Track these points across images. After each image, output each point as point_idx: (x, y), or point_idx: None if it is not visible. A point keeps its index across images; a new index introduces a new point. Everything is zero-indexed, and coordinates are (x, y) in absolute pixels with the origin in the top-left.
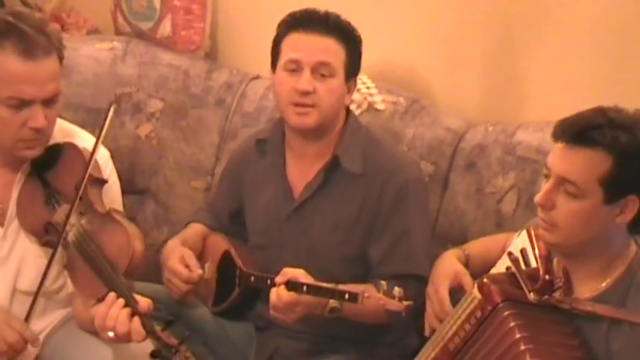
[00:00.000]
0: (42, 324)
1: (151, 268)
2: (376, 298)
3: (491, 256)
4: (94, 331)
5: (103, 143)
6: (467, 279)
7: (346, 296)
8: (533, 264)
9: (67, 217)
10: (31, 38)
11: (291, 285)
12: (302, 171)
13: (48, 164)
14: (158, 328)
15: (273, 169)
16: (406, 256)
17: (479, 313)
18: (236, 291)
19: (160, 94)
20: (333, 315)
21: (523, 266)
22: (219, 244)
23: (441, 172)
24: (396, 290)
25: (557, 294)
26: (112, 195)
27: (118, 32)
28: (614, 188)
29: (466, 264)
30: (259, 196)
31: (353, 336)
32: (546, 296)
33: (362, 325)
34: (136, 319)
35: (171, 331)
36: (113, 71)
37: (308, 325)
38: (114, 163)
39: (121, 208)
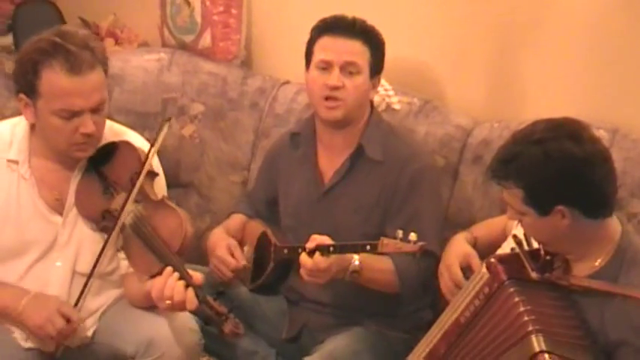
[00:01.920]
0: (98, 302)
1: (193, 252)
2: (393, 242)
3: (494, 236)
4: (146, 306)
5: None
6: (475, 260)
7: (367, 247)
8: (535, 245)
9: (124, 203)
10: (76, 55)
11: (320, 249)
12: (331, 160)
13: (105, 160)
14: (210, 298)
15: (306, 159)
16: (418, 234)
17: (487, 290)
18: (271, 265)
19: (201, 98)
20: (353, 278)
21: (526, 247)
22: (257, 227)
23: (451, 165)
24: (412, 235)
25: (556, 272)
26: (160, 186)
27: (165, 45)
28: (537, 202)
29: (474, 245)
30: (293, 183)
31: (372, 309)
32: (547, 274)
33: (380, 298)
34: (190, 290)
35: (221, 301)
36: (160, 79)
37: (332, 299)
38: (161, 160)
39: None
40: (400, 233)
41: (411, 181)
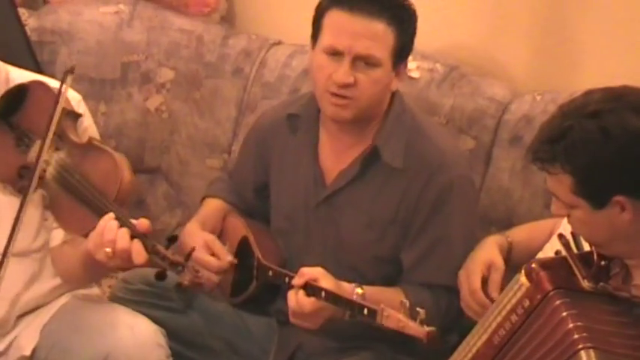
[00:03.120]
0: (33, 294)
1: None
2: (396, 319)
3: (536, 243)
4: (86, 277)
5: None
6: (496, 275)
7: (365, 311)
8: (587, 247)
9: (40, 151)
10: None
11: (310, 289)
12: (336, 155)
13: (13, 106)
14: (161, 247)
15: (305, 148)
16: (441, 264)
17: (527, 303)
18: (254, 284)
19: (170, 62)
20: (353, 319)
21: (575, 250)
22: (238, 228)
23: (483, 148)
24: (421, 312)
25: (614, 281)
26: (91, 132)
27: None
28: (591, 191)
29: (509, 252)
30: (287, 177)
31: (384, 330)
32: (602, 283)
33: None
34: (137, 241)
35: (174, 249)
36: (119, 37)
37: (334, 323)
38: (121, 139)
39: None
40: (407, 303)
41: (439, 197)
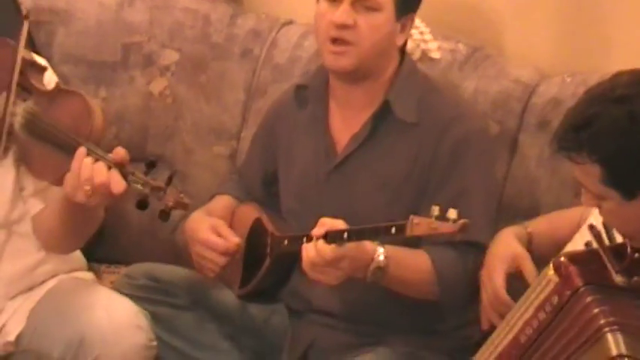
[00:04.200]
0: (16, 267)
1: (165, 248)
2: (427, 222)
3: (561, 234)
4: (67, 227)
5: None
6: (527, 263)
7: (393, 230)
8: (619, 239)
9: (6, 103)
10: None
11: (331, 236)
12: (347, 122)
13: None
14: (140, 174)
15: (315, 120)
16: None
17: (556, 299)
18: (267, 262)
19: (175, 43)
20: (376, 277)
21: (607, 242)
22: (249, 213)
23: (508, 133)
24: (451, 211)
25: None
26: (50, 79)
27: None
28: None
29: (529, 244)
30: (297, 153)
31: (403, 323)
32: (636, 278)
33: (413, 308)
34: (114, 170)
35: (155, 174)
36: (120, 17)
37: (349, 310)
38: (123, 125)
39: None
40: (436, 210)
41: (455, 150)
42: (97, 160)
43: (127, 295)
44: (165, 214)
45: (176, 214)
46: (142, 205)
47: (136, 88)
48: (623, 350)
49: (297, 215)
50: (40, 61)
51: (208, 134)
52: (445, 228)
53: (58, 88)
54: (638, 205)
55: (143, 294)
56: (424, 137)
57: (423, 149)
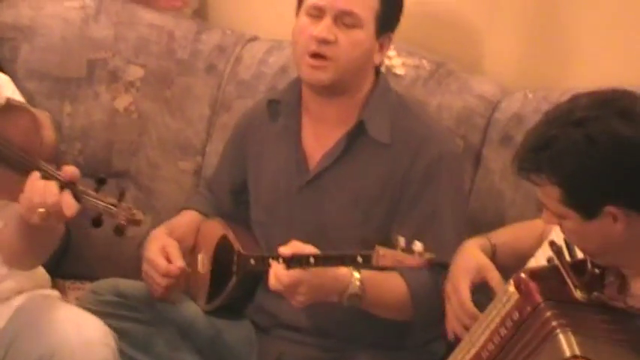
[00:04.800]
0: None
1: (131, 263)
2: (392, 254)
3: (524, 245)
4: (24, 245)
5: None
6: (493, 274)
7: (359, 258)
8: (580, 255)
9: None
10: None
11: (297, 260)
12: (320, 138)
13: None
14: (91, 192)
15: (286, 134)
16: (435, 241)
17: (516, 315)
18: (233, 280)
19: (140, 59)
20: (353, 303)
21: (568, 258)
22: (215, 229)
23: (472, 148)
24: (417, 245)
25: (608, 290)
26: (9, 91)
27: None
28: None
29: (493, 255)
30: (268, 165)
31: (372, 339)
32: (595, 293)
33: (382, 324)
34: (66, 191)
35: (105, 191)
36: (84, 33)
37: (317, 325)
38: (88, 141)
39: None
40: (402, 241)
41: (427, 171)
42: (48, 179)
43: (92, 310)
44: (119, 231)
45: (142, 229)
46: (96, 222)
47: (101, 104)
48: (577, 350)
49: (266, 227)
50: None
51: (173, 149)
52: (410, 261)
53: (9, 104)
54: (598, 224)
55: (109, 309)
56: (397, 157)
57: (395, 169)
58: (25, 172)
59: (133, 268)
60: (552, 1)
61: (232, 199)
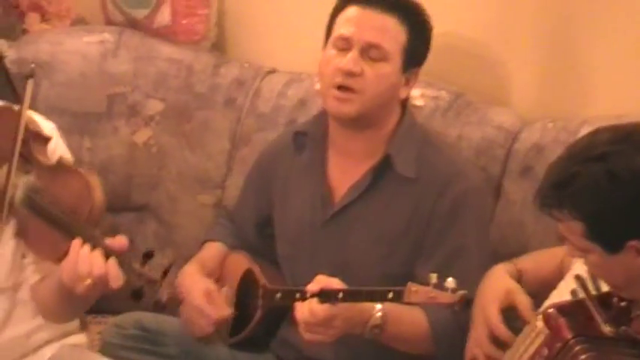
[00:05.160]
0: (13, 332)
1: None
2: (425, 291)
3: (545, 273)
4: (66, 308)
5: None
6: (522, 297)
7: (389, 295)
8: (605, 287)
9: (8, 176)
10: None
11: (325, 295)
12: (346, 172)
13: None
14: (137, 264)
15: (312, 167)
16: (460, 277)
17: (545, 351)
18: (258, 314)
19: (159, 93)
20: (374, 334)
21: (593, 291)
22: (241, 263)
23: (492, 179)
24: (449, 282)
25: (636, 324)
26: (54, 149)
27: (109, 22)
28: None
29: (519, 280)
30: (293, 199)
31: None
32: (623, 327)
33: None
34: (112, 261)
35: (152, 264)
36: (104, 68)
37: (341, 359)
38: (107, 176)
39: None
40: (434, 277)
41: (453, 208)
42: (94, 247)
43: (116, 344)
44: (158, 305)
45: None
46: (137, 295)
47: (120, 139)
48: None
49: (292, 261)
50: (45, 127)
51: (193, 183)
52: (444, 298)
53: (60, 164)
54: (622, 258)
55: (132, 344)
56: (422, 193)
57: (421, 205)
58: (71, 235)
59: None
60: (569, 32)
61: (257, 232)
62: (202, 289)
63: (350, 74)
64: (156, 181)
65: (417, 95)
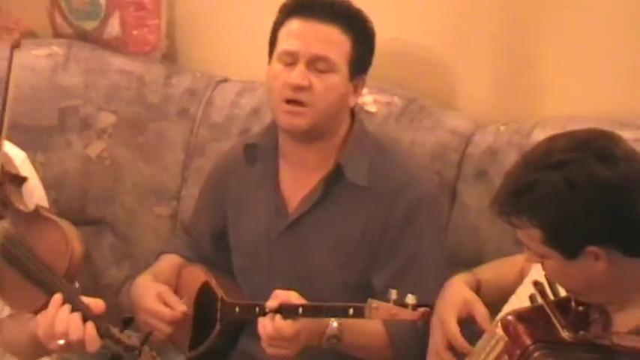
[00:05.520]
0: None
1: (110, 311)
2: (386, 308)
3: (506, 281)
4: (35, 356)
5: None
6: (479, 307)
7: (350, 311)
8: (563, 292)
9: None
10: None
11: (286, 311)
12: (298, 182)
13: None
14: (116, 330)
15: (265, 179)
16: (415, 285)
17: (505, 358)
18: (217, 328)
19: (111, 106)
20: (331, 344)
21: (551, 297)
22: (197, 275)
23: (447, 183)
24: (410, 298)
25: (594, 328)
26: (37, 197)
27: (57, 35)
28: (562, 243)
29: (477, 290)
30: (247, 211)
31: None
32: (582, 332)
33: None
34: (90, 324)
35: (129, 331)
36: (54, 82)
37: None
38: (61, 189)
39: None
40: (394, 294)
41: (407, 215)
42: (73, 309)
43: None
44: None
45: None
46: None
47: (73, 152)
48: None
49: (249, 273)
50: (16, 156)
51: (148, 195)
52: (405, 315)
53: (38, 213)
54: (580, 263)
55: (89, 357)
56: (376, 201)
57: (375, 213)
58: (49, 291)
59: (112, 315)
60: (520, 35)
61: (212, 244)
62: (154, 293)
63: (299, 88)
64: (111, 194)
65: (370, 101)
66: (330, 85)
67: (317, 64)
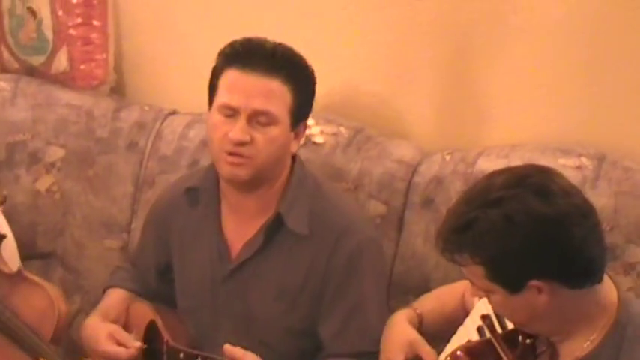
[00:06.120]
0: None
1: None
2: None
3: (449, 308)
4: None
5: None
6: (424, 347)
7: None
8: (510, 325)
9: None
10: None
11: None
12: (240, 227)
13: None
14: None
15: (207, 222)
16: (361, 331)
17: None
18: None
19: (60, 140)
20: None
21: (499, 329)
22: (144, 313)
23: (394, 213)
24: None
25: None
26: (11, 252)
27: (4, 70)
28: (504, 278)
29: (420, 324)
30: (191, 254)
31: None
32: None
33: None
34: None
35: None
36: (1, 117)
37: None
38: (10, 224)
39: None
40: None
41: (349, 262)
42: None
43: None
44: None
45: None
46: None
47: (22, 187)
48: None
49: (194, 314)
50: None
51: (99, 228)
52: None
53: (21, 275)
54: (523, 297)
55: None
56: (317, 249)
57: (316, 260)
58: (34, 353)
59: (67, 349)
60: (465, 64)
61: (158, 277)
62: (105, 334)
63: (240, 144)
64: (61, 228)
65: (317, 133)
66: (272, 138)
67: (258, 118)
